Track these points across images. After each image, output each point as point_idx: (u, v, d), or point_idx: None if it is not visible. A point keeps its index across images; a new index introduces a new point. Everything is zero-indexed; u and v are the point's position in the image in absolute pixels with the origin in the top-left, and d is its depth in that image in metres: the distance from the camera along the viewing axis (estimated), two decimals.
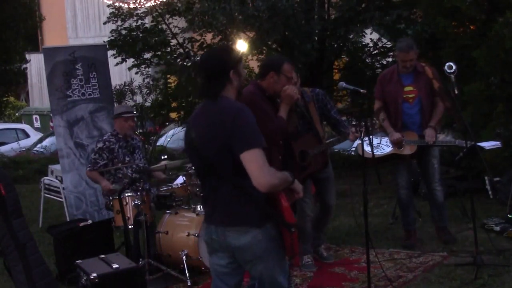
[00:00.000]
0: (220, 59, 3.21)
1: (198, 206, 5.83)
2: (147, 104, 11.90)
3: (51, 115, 9.21)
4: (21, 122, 20.42)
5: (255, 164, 2.99)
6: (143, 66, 11.29)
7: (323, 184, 5.55)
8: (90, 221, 6.17)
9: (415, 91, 5.83)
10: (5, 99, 16.38)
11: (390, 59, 10.61)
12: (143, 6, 10.89)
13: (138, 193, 5.68)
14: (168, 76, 12.18)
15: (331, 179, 5.60)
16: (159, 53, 11.00)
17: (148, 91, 11.90)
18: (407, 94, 5.85)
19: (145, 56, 11.13)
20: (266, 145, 3.05)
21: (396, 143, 5.84)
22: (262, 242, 3.12)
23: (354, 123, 5.58)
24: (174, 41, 11.02)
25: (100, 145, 6.14)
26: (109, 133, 6.30)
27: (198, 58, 10.96)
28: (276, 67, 4.68)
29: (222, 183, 3.12)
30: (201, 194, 3.57)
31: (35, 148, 15.50)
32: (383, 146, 6.01)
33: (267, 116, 4.49)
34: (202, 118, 3.20)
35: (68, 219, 7.47)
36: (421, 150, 5.86)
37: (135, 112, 6.52)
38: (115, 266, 4.71)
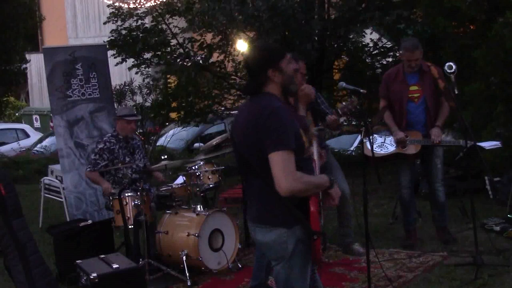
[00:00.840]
0: (258, 57, 3.21)
1: (198, 206, 5.84)
2: (147, 104, 11.89)
3: (51, 115, 9.20)
4: (21, 122, 20.42)
5: (278, 167, 2.98)
6: (143, 66, 11.27)
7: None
8: (90, 221, 6.17)
9: (420, 90, 5.83)
10: (5, 99, 16.38)
11: (390, 59, 10.60)
12: (143, 6, 10.88)
13: (138, 193, 5.68)
14: (168, 76, 12.17)
15: (335, 166, 5.56)
16: (159, 53, 10.98)
17: (148, 91, 11.89)
18: (412, 94, 5.85)
19: (145, 56, 11.11)
20: (294, 146, 3.03)
21: (400, 142, 5.84)
22: (288, 244, 3.11)
23: (354, 122, 5.59)
24: (174, 41, 11.00)
25: (100, 145, 6.13)
26: (110, 134, 6.29)
27: (198, 58, 10.96)
28: None
29: (255, 179, 3.15)
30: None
31: (35, 148, 15.51)
32: (387, 145, 6.00)
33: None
34: (242, 114, 3.25)
35: (68, 219, 7.47)
36: (425, 150, 5.86)
37: (137, 115, 6.50)
38: (115, 266, 4.72)
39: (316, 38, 9.69)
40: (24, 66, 15.45)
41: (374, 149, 5.85)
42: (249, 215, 3.33)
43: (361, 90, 4.66)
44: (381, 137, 6.02)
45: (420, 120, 5.87)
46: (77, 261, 4.88)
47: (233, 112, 12.01)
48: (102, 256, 4.96)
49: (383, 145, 5.99)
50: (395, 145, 5.91)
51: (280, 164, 2.97)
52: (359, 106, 4.58)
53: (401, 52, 5.92)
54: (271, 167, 2.99)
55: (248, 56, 3.26)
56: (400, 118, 5.89)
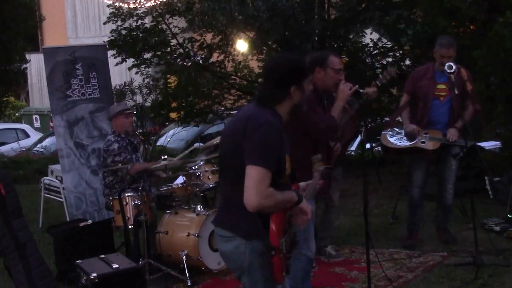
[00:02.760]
0: (285, 70, 3.09)
1: (198, 206, 5.84)
2: (147, 104, 11.89)
3: (51, 115, 9.19)
4: (21, 122, 20.41)
5: (252, 182, 2.91)
6: (143, 66, 11.26)
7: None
8: (90, 221, 6.17)
9: (447, 90, 5.78)
10: (5, 99, 16.36)
11: (390, 59, 10.60)
12: (143, 6, 10.87)
13: (138, 193, 5.68)
14: (168, 76, 12.17)
15: (338, 180, 5.58)
16: (159, 53, 10.98)
17: (148, 91, 11.88)
18: (438, 92, 5.82)
19: (145, 56, 11.11)
20: (274, 168, 2.94)
21: (410, 135, 5.81)
22: (246, 255, 3.03)
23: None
24: (174, 41, 11.00)
25: (116, 145, 6.02)
26: (112, 135, 6.23)
27: (198, 58, 10.96)
28: (320, 62, 4.58)
29: (227, 183, 3.11)
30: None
31: (35, 148, 15.50)
32: (406, 138, 5.95)
33: (314, 112, 4.46)
34: (237, 116, 3.18)
35: (68, 219, 7.47)
36: (442, 150, 5.83)
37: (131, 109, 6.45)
38: (115, 266, 4.72)
39: (316, 38, 9.69)
40: (24, 66, 15.44)
41: (393, 141, 5.84)
42: (215, 216, 3.26)
43: (361, 90, 4.65)
44: (400, 131, 5.98)
45: (442, 119, 5.83)
46: (77, 261, 4.89)
47: (233, 112, 12.02)
48: (102, 256, 4.97)
49: (403, 138, 5.93)
50: (414, 140, 5.86)
51: (255, 180, 2.91)
52: (395, 74, 4.28)
53: (435, 47, 5.87)
54: (245, 179, 2.93)
55: (274, 65, 3.14)
56: (423, 115, 5.85)
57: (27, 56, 16.39)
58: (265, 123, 2.98)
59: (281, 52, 3.16)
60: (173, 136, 13.14)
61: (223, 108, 11.65)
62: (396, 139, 5.90)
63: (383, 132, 6.02)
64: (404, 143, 5.89)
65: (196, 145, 13.87)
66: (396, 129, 5.96)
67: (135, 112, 6.50)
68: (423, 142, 5.81)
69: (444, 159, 5.94)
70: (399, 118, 6.01)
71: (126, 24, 10.89)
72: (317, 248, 5.73)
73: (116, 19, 10.89)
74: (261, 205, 2.92)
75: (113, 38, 10.85)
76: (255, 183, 2.91)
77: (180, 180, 6.47)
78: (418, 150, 5.84)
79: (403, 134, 5.92)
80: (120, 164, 5.99)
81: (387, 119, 5.66)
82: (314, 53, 4.92)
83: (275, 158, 2.96)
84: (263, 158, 2.93)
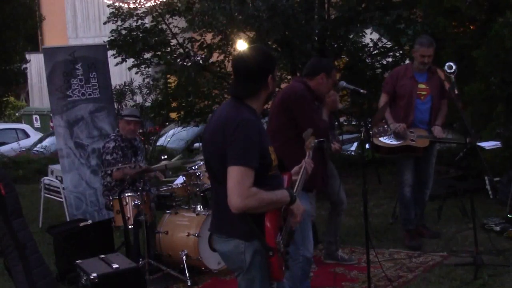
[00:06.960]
0: (261, 61, 3.10)
1: (198, 206, 5.84)
2: (147, 104, 11.89)
3: (51, 115, 9.19)
4: (21, 122, 20.41)
5: (233, 182, 2.89)
6: (143, 66, 11.27)
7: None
8: (90, 221, 6.17)
9: (428, 89, 5.89)
10: (5, 99, 16.34)
11: (390, 59, 10.60)
12: (143, 6, 10.88)
13: (138, 193, 5.68)
14: (168, 76, 12.17)
15: (333, 174, 5.58)
16: (159, 53, 10.99)
17: (148, 91, 11.89)
18: (420, 91, 5.90)
19: (145, 56, 11.12)
20: (257, 165, 2.92)
21: (398, 134, 5.84)
22: (245, 255, 3.02)
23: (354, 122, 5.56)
24: (174, 41, 11.01)
25: (112, 144, 6.07)
26: (114, 133, 6.26)
27: (198, 58, 10.96)
28: (328, 70, 4.68)
29: (219, 187, 3.05)
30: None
31: (35, 148, 15.49)
32: (394, 137, 5.99)
33: (316, 113, 4.50)
34: (214, 119, 3.15)
35: (68, 219, 7.47)
36: (424, 148, 5.90)
37: (139, 118, 6.36)
38: (115, 266, 4.72)
39: (316, 38, 9.69)
40: (24, 66, 15.44)
41: (384, 140, 5.90)
42: (210, 223, 3.24)
43: (361, 91, 4.67)
44: (387, 130, 6.00)
45: (424, 118, 5.92)
46: (77, 261, 4.88)
47: None
48: (102, 256, 4.97)
49: (391, 137, 5.97)
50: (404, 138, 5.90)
51: (235, 180, 2.88)
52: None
53: (414, 47, 5.94)
54: (227, 180, 2.91)
55: (249, 59, 3.12)
56: (407, 114, 5.90)
57: (27, 56, 16.39)
58: (242, 121, 2.96)
59: (248, 48, 3.08)
60: (173, 136, 13.14)
61: None
62: (386, 138, 5.94)
63: (371, 132, 6.07)
64: (395, 142, 5.94)
65: (196, 145, 13.93)
66: (382, 128, 5.98)
67: (139, 121, 6.36)
68: (413, 140, 5.86)
69: (426, 158, 6.02)
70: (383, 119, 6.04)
71: (126, 24, 10.90)
72: (328, 253, 5.73)
73: (116, 19, 10.90)
74: (244, 206, 2.88)
75: (113, 38, 10.86)
76: (236, 184, 2.88)
77: (180, 180, 6.47)
78: (409, 148, 5.89)
79: (390, 133, 5.96)
80: (106, 164, 6.03)
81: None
82: (320, 59, 5.01)
83: (256, 155, 2.93)
84: (243, 157, 2.91)
